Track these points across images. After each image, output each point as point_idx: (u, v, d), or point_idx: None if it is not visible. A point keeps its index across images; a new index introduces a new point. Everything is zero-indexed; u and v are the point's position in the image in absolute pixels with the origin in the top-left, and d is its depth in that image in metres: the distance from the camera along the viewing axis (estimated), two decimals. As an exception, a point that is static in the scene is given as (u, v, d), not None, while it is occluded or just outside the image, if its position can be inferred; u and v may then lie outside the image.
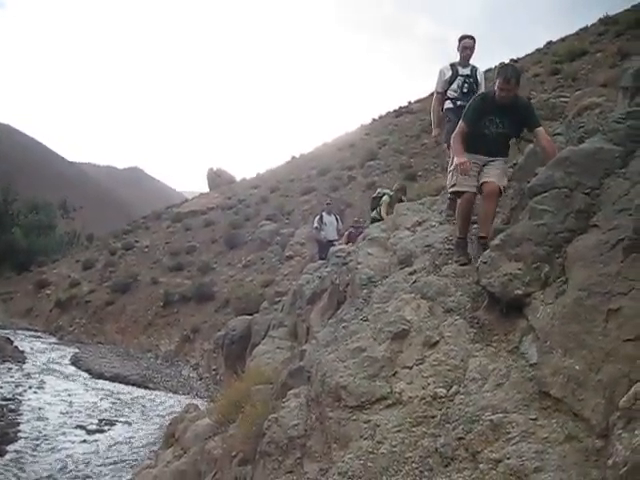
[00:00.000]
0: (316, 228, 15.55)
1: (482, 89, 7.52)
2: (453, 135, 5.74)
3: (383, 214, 11.31)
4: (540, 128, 5.43)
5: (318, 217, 15.73)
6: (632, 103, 5.11)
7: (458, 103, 7.50)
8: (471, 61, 7.75)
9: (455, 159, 5.58)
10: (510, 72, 5.30)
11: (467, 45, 7.65)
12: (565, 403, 3.39)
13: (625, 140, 4.50)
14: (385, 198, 11.84)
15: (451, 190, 5.88)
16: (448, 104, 7.73)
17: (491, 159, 5.61)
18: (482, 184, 5.49)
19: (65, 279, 35.86)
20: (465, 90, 7.58)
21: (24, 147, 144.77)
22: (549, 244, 4.24)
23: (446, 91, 7.75)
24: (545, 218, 4.34)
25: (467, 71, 7.66)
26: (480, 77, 7.70)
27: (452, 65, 7.74)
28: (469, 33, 7.85)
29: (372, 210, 12.26)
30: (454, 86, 7.66)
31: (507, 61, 41.57)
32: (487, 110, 5.52)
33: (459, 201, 5.83)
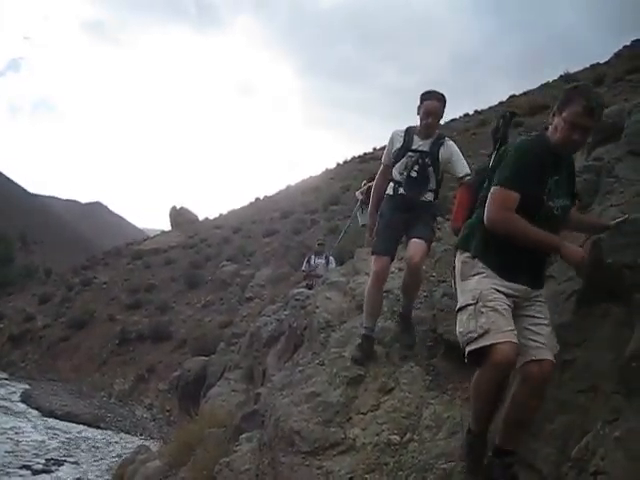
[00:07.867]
0: (303, 271, 13.77)
1: (458, 171, 4.98)
2: (505, 218, 3.16)
3: None
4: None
5: (306, 259, 13.84)
6: (589, 158, 5.21)
7: (399, 191, 5.10)
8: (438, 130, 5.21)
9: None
10: (595, 99, 3.11)
11: (431, 109, 4.98)
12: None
13: (581, 194, 4.58)
14: None
15: (479, 345, 3.11)
16: (388, 189, 5.23)
17: (535, 293, 3.33)
18: (527, 362, 3.10)
19: (20, 313, 35.14)
20: (414, 175, 5.02)
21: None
22: (506, 293, 4.25)
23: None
24: (502, 267, 4.36)
25: (425, 145, 5.04)
26: (449, 154, 5.02)
27: (407, 131, 5.15)
28: (436, 90, 5.08)
29: None
30: (400, 165, 5.10)
31: (471, 113, 41.94)
32: (547, 164, 3.26)
33: (482, 369, 3.16)
